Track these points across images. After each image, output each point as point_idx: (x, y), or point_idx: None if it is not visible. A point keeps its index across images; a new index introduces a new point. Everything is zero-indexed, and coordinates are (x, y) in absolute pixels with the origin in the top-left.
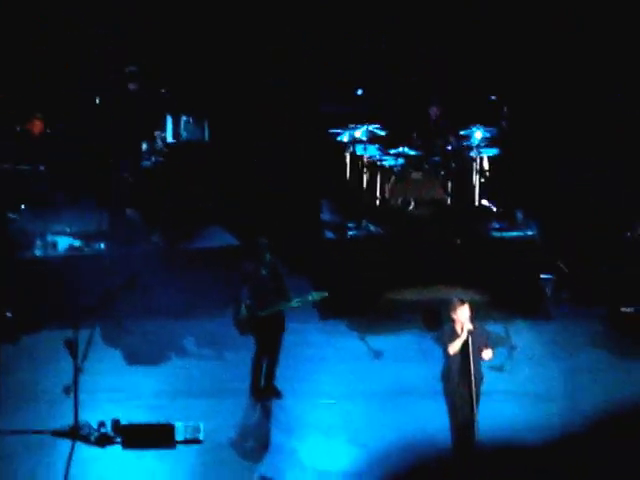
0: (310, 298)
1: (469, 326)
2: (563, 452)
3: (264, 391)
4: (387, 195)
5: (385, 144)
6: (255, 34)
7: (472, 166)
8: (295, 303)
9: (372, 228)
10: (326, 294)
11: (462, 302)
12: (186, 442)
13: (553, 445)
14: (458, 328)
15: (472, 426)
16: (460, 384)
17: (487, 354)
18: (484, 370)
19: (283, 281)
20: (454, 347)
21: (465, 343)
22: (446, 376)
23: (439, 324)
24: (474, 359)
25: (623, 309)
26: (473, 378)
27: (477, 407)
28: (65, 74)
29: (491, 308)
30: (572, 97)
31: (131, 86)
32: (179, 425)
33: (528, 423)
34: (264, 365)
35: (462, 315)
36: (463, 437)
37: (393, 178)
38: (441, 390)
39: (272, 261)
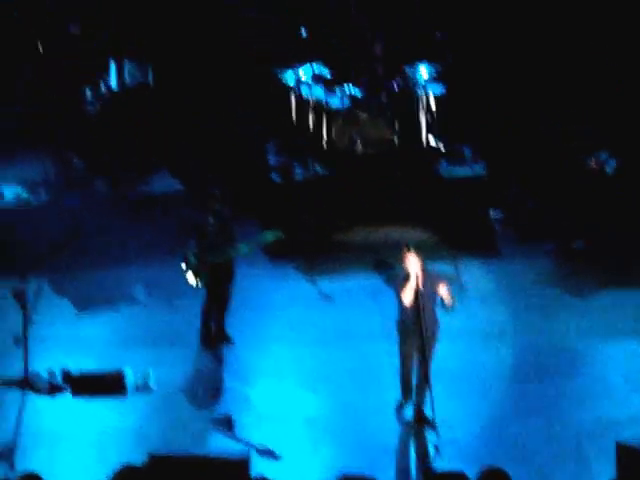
0: (263, 239)
1: (418, 272)
2: (514, 390)
3: (215, 338)
4: (334, 136)
5: (330, 84)
6: None
7: (418, 104)
8: (250, 246)
9: (319, 169)
10: (280, 233)
11: (409, 249)
12: (137, 389)
13: (504, 382)
14: (408, 276)
15: (426, 373)
16: (414, 332)
17: (446, 297)
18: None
19: (232, 228)
20: (407, 296)
21: (416, 290)
22: (400, 324)
23: (388, 266)
24: (427, 305)
25: (574, 244)
26: (425, 325)
27: (430, 355)
28: (5, 19)
29: (440, 247)
30: (519, 28)
31: (72, 29)
32: (129, 372)
33: (478, 361)
34: (214, 312)
35: (411, 263)
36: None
37: (339, 119)
38: (392, 332)
39: (221, 210)
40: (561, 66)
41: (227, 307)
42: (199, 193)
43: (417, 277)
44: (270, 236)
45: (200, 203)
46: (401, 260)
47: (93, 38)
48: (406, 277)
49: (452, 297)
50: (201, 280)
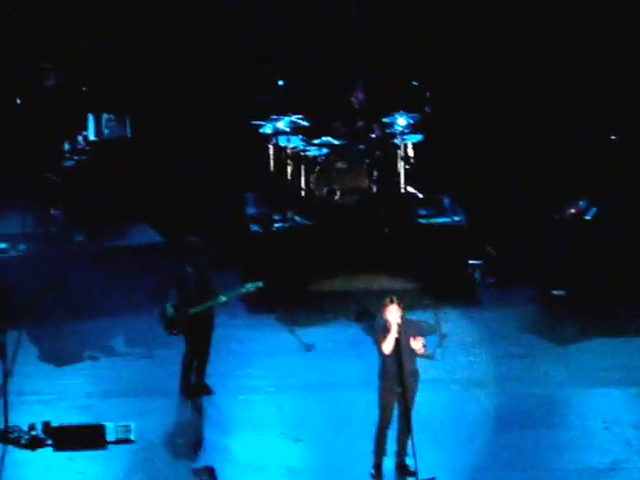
0: (244, 290)
1: (398, 322)
2: (496, 439)
3: (195, 388)
4: (312, 185)
5: (308, 134)
6: (173, 29)
7: (396, 153)
8: (230, 296)
9: (298, 219)
10: (261, 284)
11: (392, 301)
12: (117, 442)
13: (485, 432)
14: (389, 326)
15: (408, 423)
16: (396, 383)
17: (417, 346)
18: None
19: (210, 279)
20: (388, 346)
21: (397, 341)
22: (383, 375)
23: (368, 315)
24: (408, 356)
25: (554, 292)
26: (406, 375)
27: (411, 408)
28: None
29: (421, 295)
30: (495, 79)
31: (48, 82)
32: (110, 425)
33: (459, 410)
34: (194, 362)
35: (392, 314)
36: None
37: (317, 168)
38: (372, 381)
39: (199, 260)
40: (535, 115)
41: (207, 357)
42: (178, 244)
43: (398, 326)
44: (251, 287)
45: (179, 254)
46: (382, 310)
47: (70, 92)
48: (386, 327)
49: (425, 347)
50: (180, 331)
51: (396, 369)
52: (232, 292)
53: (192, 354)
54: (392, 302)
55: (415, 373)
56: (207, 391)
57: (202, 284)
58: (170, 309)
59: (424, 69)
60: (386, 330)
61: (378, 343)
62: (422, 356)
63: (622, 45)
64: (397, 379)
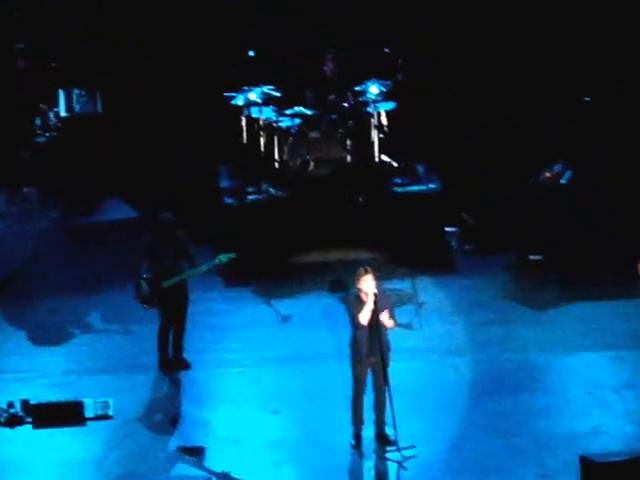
0: (217, 261)
1: (374, 292)
2: (475, 406)
3: (173, 363)
4: (285, 157)
5: (280, 105)
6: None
7: (370, 122)
8: (204, 268)
9: (272, 191)
10: (234, 255)
11: (366, 271)
12: (96, 418)
13: (464, 399)
14: (364, 297)
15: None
16: (368, 353)
17: (387, 321)
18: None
19: (187, 250)
20: (363, 317)
21: (373, 311)
22: (354, 345)
23: (341, 286)
24: (381, 327)
25: (531, 257)
26: (381, 346)
27: (388, 378)
28: None
29: (397, 264)
30: (468, 45)
31: (20, 63)
32: (88, 402)
33: (438, 379)
34: (171, 337)
35: (367, 284)
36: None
37: (290, 139)
38: (345, 352)
39: (175, 233)
40: (510, 79)
41: (183, 331)
42: (152, 218)
43: (373, 297)
44: (224, 258)
45: (155, 228)
46: (356, 280)
47: (41, 69)
48: (361, 297)
49: (393, 320)
50: (156, 306)
51: (368, 340)
52: (205, 265)
53: (167, 328)
54: (367, 272)
55: (387, 344)
56: (185, 365)
57: (178, 258)
58: (144, 284)
59: (395, 35)
60: (361, 301)
61: (352, 314)
62: (392, 328)
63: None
64: (369, 349)
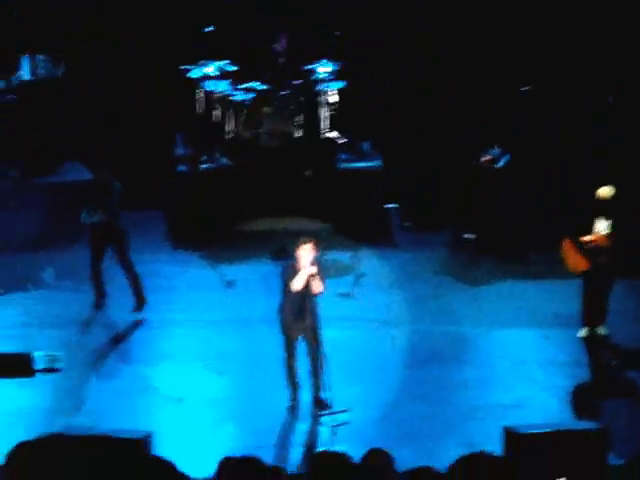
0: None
1: (309, 263)
2: (407, 375)
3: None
4: (238, 129)
5: (235, 79)
6: None
7: (320, 99)
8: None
9: (224, 160)
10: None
11: (305, 241)
12: (45, 371)
13: (397, 368)
14: (300, 265)
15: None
16: (297, 319)
17: (317, 286)
18: (331, 298)
19: (115, 197)
20: (296, 284)
21: (305, 280)
22: (283, 311)
23: (284, 254)
24: (311, 295)
25: (466, 236)
26: (310, 312)
27: (320, 343)
28: None
29: (339, 237)
30: (417, 29)
31: None
32: (38, 354)
33: (374, 348)
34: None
35: (304, 254)
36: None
37: (244, 112)
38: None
39: (107, 177)
40: (454, 65)
41: (132, 277)
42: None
43: (307, 268)
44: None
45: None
46: (296, 249)
47: (6, 33)
48: (296, 266)
49: (321, 286)
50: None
51: (297, 306)
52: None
53: (97, 264)
54: (306, 242)
55: (315, 311)
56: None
57: (107, 200)
58: (84, 215)
59: (346, 20)
60: (295, 269)
61: (285, 280)
62: (319, 293)
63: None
64: (298, 315)
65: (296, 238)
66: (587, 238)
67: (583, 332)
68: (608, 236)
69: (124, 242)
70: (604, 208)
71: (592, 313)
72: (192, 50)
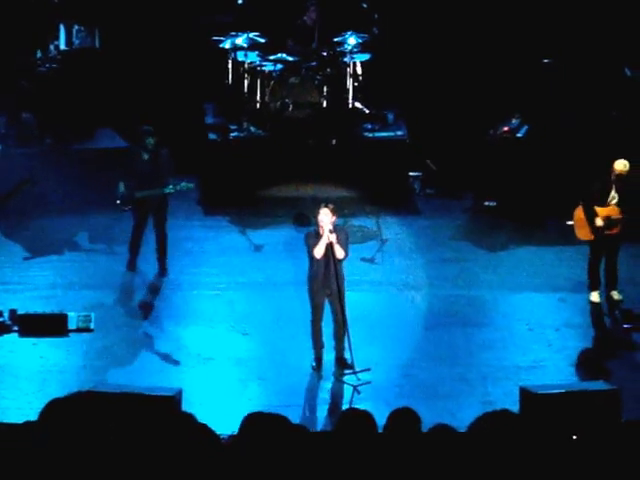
0: (179, 188)
1: (328, 230)
2: (427, 336)
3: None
4: (267, 99)
5: (264, 51)
6: None
7: (346, 71)
8: (168, 190)
9: (253, 129)
10: (192, 185)
11: (325, 206)
12: (78, 330)
13: (418, 329)
14: (321, 231)
15: (343, 321)
16: (324, 285)
17: (338, 252)
18: (357, 262)
19: (165, 169)
20: (318, 250)
21: (328, 245)
22: (310, 277)
23: (305, 219)
24: (336, 260)
25: (486, 203)
26: (335, 277)
27: (344, 307)
28: None
29: (364, 204)
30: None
31: None
32: (72, 314)
33: (396, 310)
34: (140, 244)
35: (324, 219)
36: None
37: (272, 82)
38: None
39: (155, 147)
40: (476, 37)
41: (163, 246)
42: (136, 130)
43: (329, 232)
44: (185, 186)
45: (137, 139)
46: (316, 215)
47: (43, 4)
48: (318, 231)
49: (346, 250)
50: (130, 210)
51: (323, 272)
52: (173, 186)
53: (137, 235)
54: (324, 207)
55: (342, 276)
56: (162, 273)
57: (155, 172)
58: (121, 186)
59: None
60: (318, 235)
61: (309, 247)
62: (343, 259)
63: None
64: (324, 281)
65: (319, 204)
66: (601, 212)
67: (593, 296)
68: (621, 208)
69: (166, 213)
70: (619, 180)
71: (596, 278)
72: (224, 22)
